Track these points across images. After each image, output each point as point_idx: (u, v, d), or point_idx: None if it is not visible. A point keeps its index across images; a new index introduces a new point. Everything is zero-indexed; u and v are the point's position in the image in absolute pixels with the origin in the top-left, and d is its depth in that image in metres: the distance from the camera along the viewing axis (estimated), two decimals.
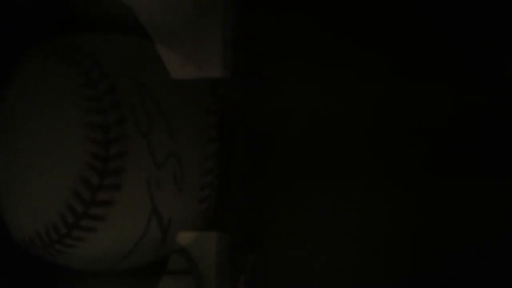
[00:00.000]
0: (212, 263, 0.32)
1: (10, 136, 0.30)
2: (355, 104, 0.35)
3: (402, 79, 0.35)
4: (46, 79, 0.29)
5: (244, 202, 0.33)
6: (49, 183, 0.29)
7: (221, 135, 0.32)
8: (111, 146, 0.29)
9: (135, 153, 0.29)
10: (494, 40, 0.34)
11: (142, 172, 0.29)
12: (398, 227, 0.35)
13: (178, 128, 0.30)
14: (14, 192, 0.30)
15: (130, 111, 0.29)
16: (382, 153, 0.35)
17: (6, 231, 0.31)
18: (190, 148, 0.30)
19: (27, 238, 0.30)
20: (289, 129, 0.35)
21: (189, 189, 0.31)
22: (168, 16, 0.30)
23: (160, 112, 0.30)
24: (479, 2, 0.34)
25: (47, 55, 0.30)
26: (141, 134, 0.29)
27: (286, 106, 0.35)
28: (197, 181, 0.31)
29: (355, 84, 0.35)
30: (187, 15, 0.30)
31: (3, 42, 0.31)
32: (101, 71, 0.29)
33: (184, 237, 0.32)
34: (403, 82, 0.35)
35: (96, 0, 0.31)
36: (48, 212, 0.29)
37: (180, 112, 0.30)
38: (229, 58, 0.30)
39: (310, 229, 0.35)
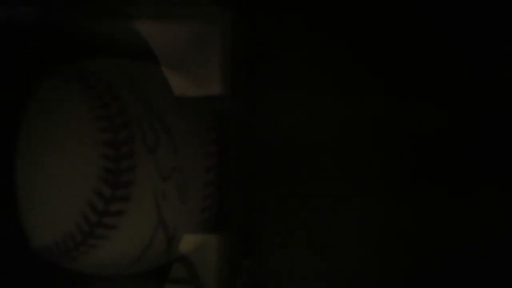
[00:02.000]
0: (213, 269, 0.34)
1: (30, 152, 0.32)
2: (353, 105, 0.35)
3: (402, 79, 0.35)
4: (63, 100, 0.32)
5: (242, 210, 0.34)
6: (66, 196, 0.31)
7: (220, 149, 0.34)
8: (122, 161, 0.31)
9: (143, 167, 0.32)
10: (494, 40, 0.34)
11: (149, 184, 0.32)
12: (398, 227, 0.35)
13: (182, 144, 0.33)
14: (34, 204, 0.32)
15: (138, 129, 0.32)
16: (382, 152, 0.35)
17: (21, 239, 0.33)
18: (193, 162, 0.33)
19: (45, 246, 0.33)
20: (288, 136, 0.35)
21: (192, 199, 0.33)
22: (170, 41, 0.32)
23: (166, 130, 0.32)
24: (479, 2, 0.34)
25: (65, 79, 0.33)
26: (149, 150, 0.32)
27: (284, 115, 0.35)
28: (199, 192, 0.34)
29: (352, 86, 0.35)
30: (187, 40, 0.32)
31: (28, 66, 0.34)
32: (112, 94, 0.32)
33: (187, 244, 0.34)
34: (403, 82, 0.35)
35: (107, 28, 0.33)
36: (65, 221, 0.32)
37: (183, 130, 0.33)
38: (226, 77, 0.32)
39: (308, 234, 0.35)
